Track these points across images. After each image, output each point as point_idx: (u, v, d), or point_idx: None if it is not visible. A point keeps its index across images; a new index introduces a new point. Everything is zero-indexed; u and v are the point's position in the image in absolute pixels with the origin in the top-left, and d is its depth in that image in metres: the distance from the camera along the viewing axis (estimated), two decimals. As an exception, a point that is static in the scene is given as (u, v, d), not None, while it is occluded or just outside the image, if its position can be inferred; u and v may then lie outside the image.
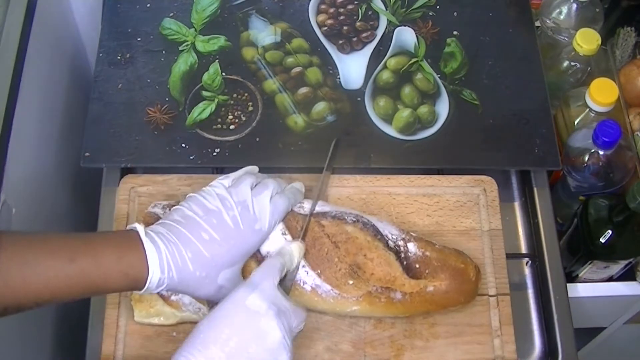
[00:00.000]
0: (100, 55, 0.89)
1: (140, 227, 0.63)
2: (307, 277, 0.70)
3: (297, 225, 0.71)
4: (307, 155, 0.84)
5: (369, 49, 0.93)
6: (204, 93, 0.87)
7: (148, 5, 0.94)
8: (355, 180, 0.82)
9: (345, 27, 0.94)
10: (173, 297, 0.71)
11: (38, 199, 0.87)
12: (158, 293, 0.71)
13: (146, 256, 0.61)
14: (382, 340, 0.74)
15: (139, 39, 0.91)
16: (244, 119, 0.86)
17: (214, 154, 0.83)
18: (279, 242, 0.70)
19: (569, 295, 0.82)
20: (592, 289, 0.93)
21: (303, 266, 0.70)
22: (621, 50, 1.01)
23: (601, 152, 0.87)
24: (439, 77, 0.91)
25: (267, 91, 0.88)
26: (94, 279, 0.60)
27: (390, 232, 0.73)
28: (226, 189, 0.67)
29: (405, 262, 0.72)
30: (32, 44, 0.84)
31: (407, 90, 0.89)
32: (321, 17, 0.95)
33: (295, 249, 0.69)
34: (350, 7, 0.95)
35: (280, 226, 0.70)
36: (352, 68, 0.91)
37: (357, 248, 0.71)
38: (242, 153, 0.83)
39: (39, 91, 0.90)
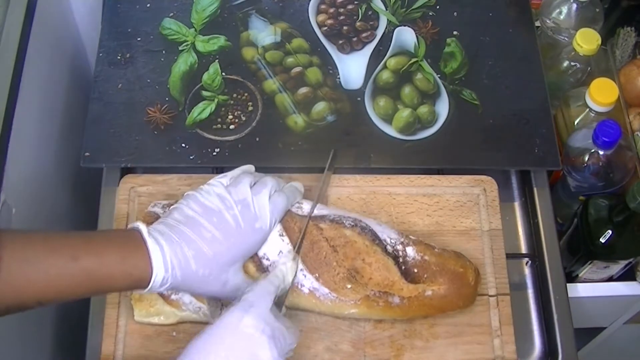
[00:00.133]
0: (100, 55, 0.89)
1: (143, 226, 0.63)
2: (305, 280, 0.70)
3: (294, 226, 0.71)
4: (307, 155, 0.84)
5: (369, 49, 0.93)
6: (204, 93, 0.87)
7: (148, 5, 0.94)
8: (355, 180, 0.82)
9: (345, 27, 0.94)
10: (173, 297, 0.71)
11: (38, 199, 0.87)
12: (158, 292, 0.71)
13: (150, 255, 0.61)
14: (382, 340, 0.74)
15: (139, 39, 0.91)
16: (244, 119, 0.86)
17: (214, 153, 0.83)
18: (276, 244, 0.70)
19: (569, 295, 0.82)
20: (592, 289, 0.93)
21: (301, 269, 0.70)
22: (621, 50, 1.01)
23: (601, 152, 0.87)
24: (439, 77, 0.91)
25: (267, 91, 0.88)
26: (97, 278, 0.59)
27: (389, 236, 0.73)
28: (225, 188, 0.67)
29: (403, 267, 0.72)
30: (32, 44, 0.84)
31: (407, 90, 0.89)
32: (321, 17, 0.95)
33: (290, 269, 0.68)
34: (350, 7, 0.95)
35: (278, 227, 0.70)
36: (352, 68, 0.91)
37: (355, 252, 0.71)
38: (242, 153, 0.83)
39: (39, 91, 0.90)
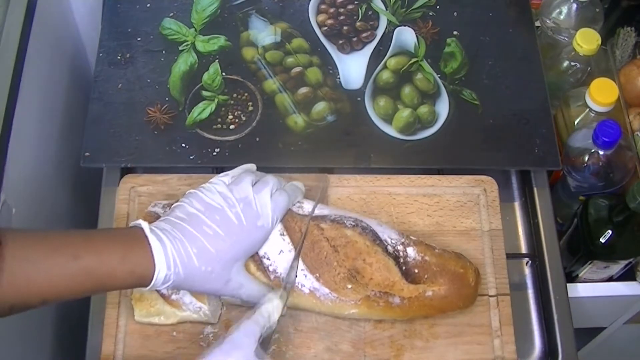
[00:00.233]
0: (100, 55, 0.89)
1: (144, 224, 0.62)
2: (306, 280, 0.70)
3: (295, 226, 0.71)
4: (307, 155, 0.84)
5: (369, 49, 0.93)
6: (204, 93, 0.87)
7: (148, 5, 0.94)
8: (355, 180, 0.82)
9: (345, 27, 0.94)
10: (173, 296, 0.71)
11: (38, 199, 0.87)
12: (159, 292, 0.71)
13: (152, 253, 0.61)
14: (382, 340, 0.74)
15: (139, 39, 0.91)
16: (244, 118, 0.86)
17: (214, 153, 0.83)
18: (277, 243, 0.70)
19: (569, 295, 0.82)
20: (592, 289, 0.93)
21: (302, 269, 0.70)
22: (621, 50, 1.01)
23: (601, 152, 0.87)
24: (439, 77, 0.91)
25: (267, 91, 0.88)
26: (99, 276, 0.59)
27: (389, 236, 0.73)
28: (227, 186, 0.68)
29: (404, 267, 0.72)
30: (32, 44, 0.84)
31: (407, 90, 0.89)
32: (321, 17, 0.95)
33: (276, 307, 0.67)
34: (350, 7, 0.95)
35: (279, 227, 0.70)
36: (352, 68, 0.91)
37: (356, 252, 0.71)
38: (242, 153, 0.83)
39: (39, 91, 0.90)
